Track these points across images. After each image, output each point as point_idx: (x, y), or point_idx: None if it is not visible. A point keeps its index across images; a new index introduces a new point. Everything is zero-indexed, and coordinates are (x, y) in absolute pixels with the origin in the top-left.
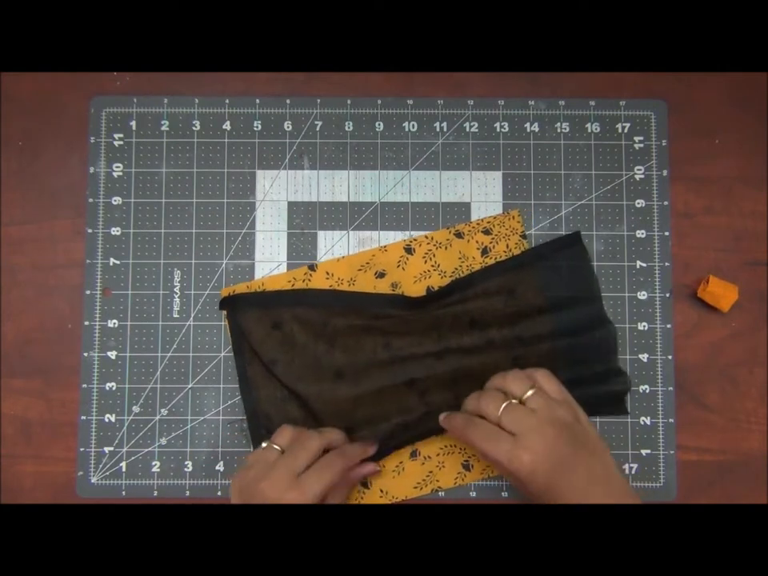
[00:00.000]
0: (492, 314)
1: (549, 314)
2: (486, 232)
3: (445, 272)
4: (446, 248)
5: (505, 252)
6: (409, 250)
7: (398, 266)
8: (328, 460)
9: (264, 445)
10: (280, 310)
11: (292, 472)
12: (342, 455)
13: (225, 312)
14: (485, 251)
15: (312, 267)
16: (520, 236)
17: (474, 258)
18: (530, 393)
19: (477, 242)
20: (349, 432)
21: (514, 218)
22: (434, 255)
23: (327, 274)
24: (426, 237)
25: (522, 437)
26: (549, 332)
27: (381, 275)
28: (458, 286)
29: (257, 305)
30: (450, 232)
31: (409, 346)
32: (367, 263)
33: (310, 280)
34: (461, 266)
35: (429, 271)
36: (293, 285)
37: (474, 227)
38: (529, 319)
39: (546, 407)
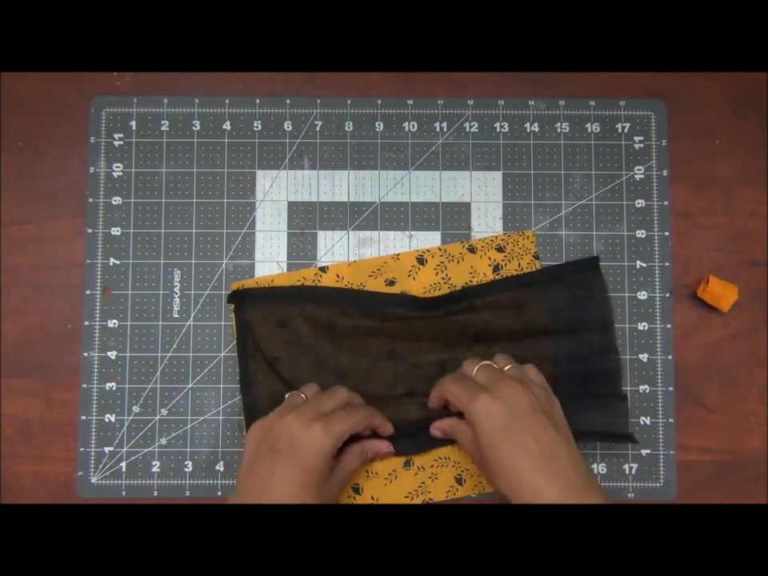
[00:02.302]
0: (499, 329)
1: (553, 336)
2: (500, 249)
3: (455, 285)
4: (458, 262)
5: (516, 271)
6: (421, 260)
7: (409, 276)
8: (353, 406)
9: (288, 396)
10: (288, 306)
11: (318, 410)
12: (366, 407)
13: (232, 306)
14: (496, 268)
15: (323, 269)
16: (533, 256)
17: (484, 274)
18: (509, 366)
19: (489, 258)
20: None
21: (528, 237)
22: (445, 268)
23: (338, 276)
24: (440, 249)
25: (491, 386)
26: (551, 354)
27: (391, 283)
28: (469, 294)
29: (265, 300)
30: (463, 246)
31: (414, 355)
32: (378, 269)
33: (319, 281)
34: (471, 281)
35: (439, 283)
36: (302, 284)
37: (487, 243)
38: (534, 339)
39: (521, 378)
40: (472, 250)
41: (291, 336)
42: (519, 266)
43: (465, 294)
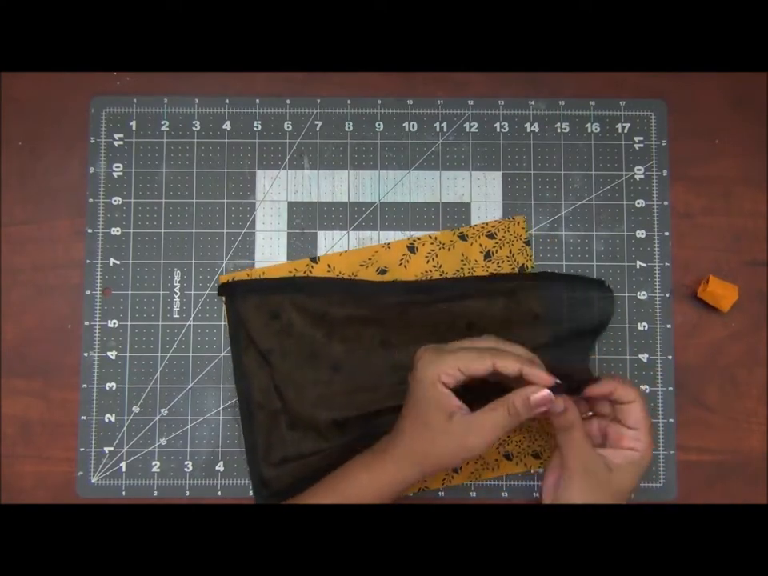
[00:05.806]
0: (490, 319)
1: (545, 324)
2: (491, 236)
3: (446, 273)
4: (449, 249)
5: (507, 257)
6: (412, 248)
7: (400, 264)
8: (485, 348)
9: None
10: (279, 297)
11: (451, 345)
12: (502, 351)
13: (224, 299)
14: (487, 255)
15: (314, 259)
16: (523, 242)
17: (476, 261)
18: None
19: (480, 245)
20: (340, 426)
21: (518, 223)
22: (436, 255)
23: (329, 267)
24: (430, 237)
25: None
26: (543, 344)
27: (382, 272)
28: (462, 281)
29: (256, 291)
30: (453, 234)
31: (406, 344)
32: (369, 259)
33: (311, 272)
34: (462, 269)
35: (430, 271)
36: (293, 275)
37: (478, 230)
38: (525, 327)
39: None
40: (463, 237)
41: (283, 327)
42: (510, 252)
43: (458, 280)
